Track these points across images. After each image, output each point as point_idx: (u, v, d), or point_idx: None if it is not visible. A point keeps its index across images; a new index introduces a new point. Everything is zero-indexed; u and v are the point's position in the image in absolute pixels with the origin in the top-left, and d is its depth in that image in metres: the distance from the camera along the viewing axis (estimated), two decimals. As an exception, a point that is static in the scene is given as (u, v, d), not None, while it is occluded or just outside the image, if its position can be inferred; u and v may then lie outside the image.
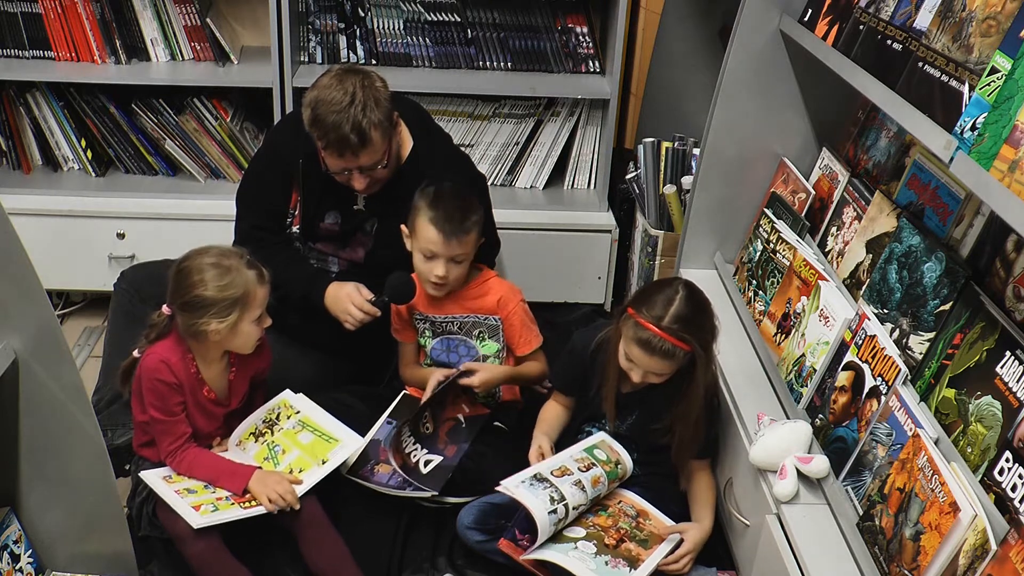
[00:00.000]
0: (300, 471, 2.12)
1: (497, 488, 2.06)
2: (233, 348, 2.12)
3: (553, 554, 2.01)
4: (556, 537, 2.05)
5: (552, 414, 2.33)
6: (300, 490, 2.07)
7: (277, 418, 2.24)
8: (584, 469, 2.12)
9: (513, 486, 2.04)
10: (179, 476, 2.10)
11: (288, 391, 2.29)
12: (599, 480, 2.12)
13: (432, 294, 2.42)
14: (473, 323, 2.45)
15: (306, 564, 2.09)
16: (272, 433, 2.21)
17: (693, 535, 2.11)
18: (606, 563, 2.01)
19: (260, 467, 2.12)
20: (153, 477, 2.08)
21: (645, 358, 2.02)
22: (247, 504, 2.04)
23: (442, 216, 2.30)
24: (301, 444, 2.17)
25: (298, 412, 2.24)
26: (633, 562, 2.02)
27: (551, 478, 2.06)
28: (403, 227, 2.40)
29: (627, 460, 2.20)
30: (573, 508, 2.05)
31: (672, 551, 2.09)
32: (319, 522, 2.10)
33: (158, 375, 2.05)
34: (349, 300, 2.38)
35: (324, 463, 2.13)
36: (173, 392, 2.06)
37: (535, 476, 2.07)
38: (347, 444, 2.17)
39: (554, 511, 2.01)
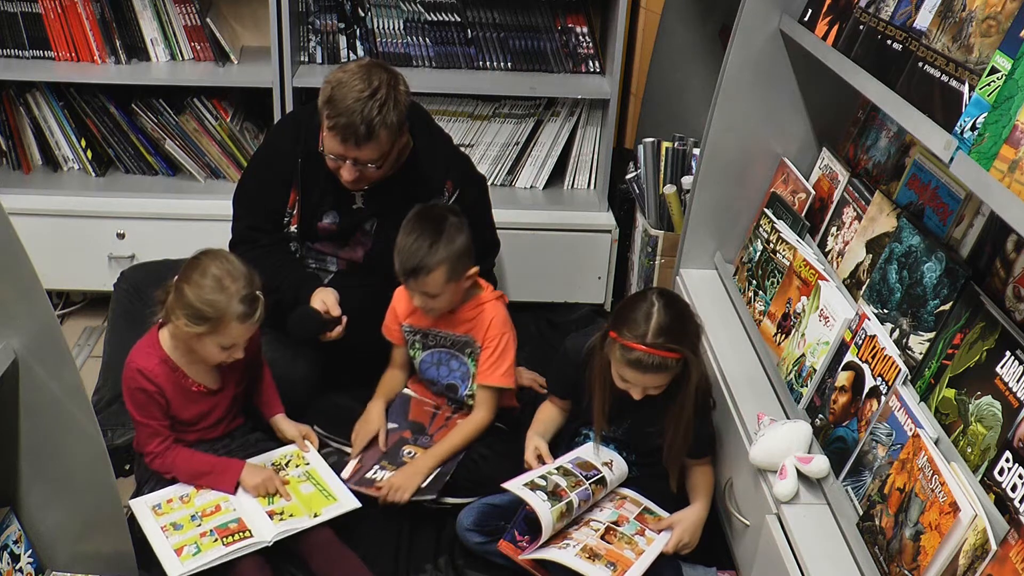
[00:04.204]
0: (290, 516, 2.11)
1: (503, 485, 2.06)
2: (195, 353, 2.12)
3: (551, 552, 2.01)
4: (552, 537, 2.05)
5: (547, 415, 2.33)
6: (277, 528, 2.06)
7: (286, 464, 2.24)
8: (586, 470, 2.12)
9: (517, 487, 2.04)
10: (169, 506, 2.10)
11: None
12: (601, 489, 2.13)
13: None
14: (465, 342, 2.42)
15: None
16: None
17: (683, 522, 2.10)
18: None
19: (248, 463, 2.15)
20: (142, 507, 2.09)
21: (640, 376, 2.02)
22: (229, 540, 2.03)
23: (399, 258, 2.26)
24: (300, 494, 2.17)
25: (308, 464, 2.25)
26: (615, 563, 2.01)
27: (555, 478, 2.07)
28: None
29: (620, 461, 2.20)
30: (576, 507, 2.05)
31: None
32: (329, 542, 2.10)
33: (135, 384, 2.07)
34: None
35: (315, 516, 2.12)
36: (151, 400, 2.08)
37: (540, 477, 2.07)
38: (342, 503, 2.16)
39: (557, 510, 2.01)
